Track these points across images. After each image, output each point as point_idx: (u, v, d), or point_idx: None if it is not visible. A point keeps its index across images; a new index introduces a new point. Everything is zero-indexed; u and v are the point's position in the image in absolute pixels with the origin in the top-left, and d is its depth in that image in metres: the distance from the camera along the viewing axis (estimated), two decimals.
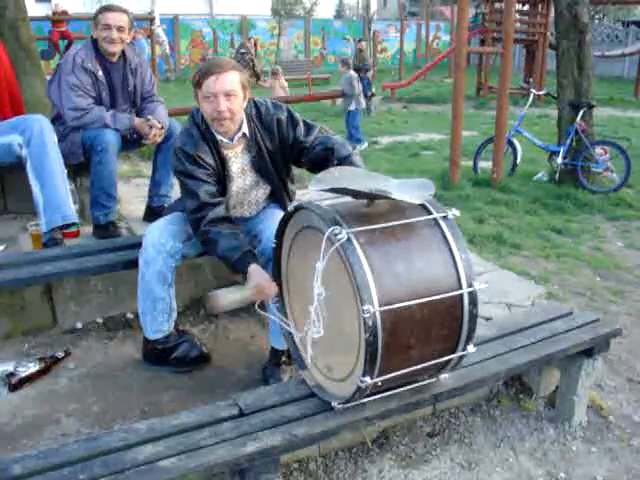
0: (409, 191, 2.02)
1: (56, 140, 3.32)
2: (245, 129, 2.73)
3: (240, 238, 2.59)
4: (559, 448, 2.63)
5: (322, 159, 2.71)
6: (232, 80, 2.56)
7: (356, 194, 2.05)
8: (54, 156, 3.26)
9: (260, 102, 2.81)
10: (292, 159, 2.86)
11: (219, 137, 2.70)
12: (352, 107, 10.56)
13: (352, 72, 11.00)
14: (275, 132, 2.78)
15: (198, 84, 2.57)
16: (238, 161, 2.79)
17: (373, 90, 14.37)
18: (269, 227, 2.72)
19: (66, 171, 3.36)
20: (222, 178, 2.75)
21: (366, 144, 10.22)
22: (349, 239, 1.86)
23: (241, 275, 2.57)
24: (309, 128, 2.80)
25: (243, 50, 14.25)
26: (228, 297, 2.43)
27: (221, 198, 2.71)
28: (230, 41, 25.46)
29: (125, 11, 3.66)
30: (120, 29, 3.58)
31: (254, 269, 2.47)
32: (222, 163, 2.73)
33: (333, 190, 2.04)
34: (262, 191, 2.94)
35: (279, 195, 2.96)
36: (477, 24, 16.99)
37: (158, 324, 2.85)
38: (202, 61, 22.37)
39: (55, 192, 3.24)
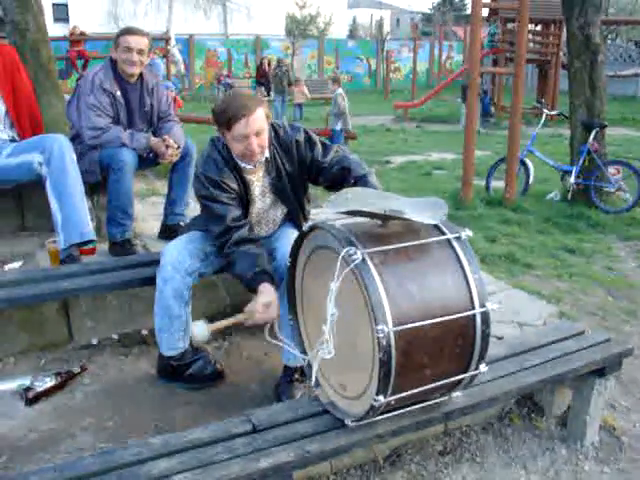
0: (423, 211, 2.05)
1: (75, 159, 3.38)
2: (267, 153, 2.77)
3: (259, 258, 2.64)
4: (571, 468, 2.63)
5: (339, 178, 2.76)
6: (260, 118, 2.60)
7: (371, 215, 2.08)
8: (74, 175, 3.32)
9: (278, 125, 2.85)
10: (310, 179, 2.91)
11: (242, 164, 2.74)
12: (337, 127, 10.68)
13: (340, 90, 11.14)
14: (294, 154, 2.82)
15: (227, 127, 2.59)
16: (259, 184, 2.84)
17: (492, 109, 14.58)
18: (284, 245, 2.76)
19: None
20: (245, 201, 2.80)
21: None
22: (364, 260, 1.89)
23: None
24: (326, 148, 2.85)
25: (282, 64, 17.03)
26: (205, 327, 2.48)
27: (245, 220, 2.77)
28: (244, 60, 25.72)
29: (146, 34, 3.73)
30: (141, 52, 3.65)
31: (263, 288, 2.53)
32: (245, 187, 2.78)
33: (349, 213, 2.07)
34: (280, 211, 2.98)
35: (295, 215, 3.00)
36: (492, 43, 17.00)
37: (174, 341, 2.88)
38: (217, 81, 22.66)
39: (74, 210, 3.29)
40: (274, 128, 2.82)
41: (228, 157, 2.73)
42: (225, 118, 2.59)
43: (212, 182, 2.70)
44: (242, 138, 2.59)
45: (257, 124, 2.59)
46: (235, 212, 2.72)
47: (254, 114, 2.57)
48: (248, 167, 2.76)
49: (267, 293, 2.53)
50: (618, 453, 2.74)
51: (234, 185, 2.74)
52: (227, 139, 2.66)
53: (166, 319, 2.83)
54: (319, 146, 2.84)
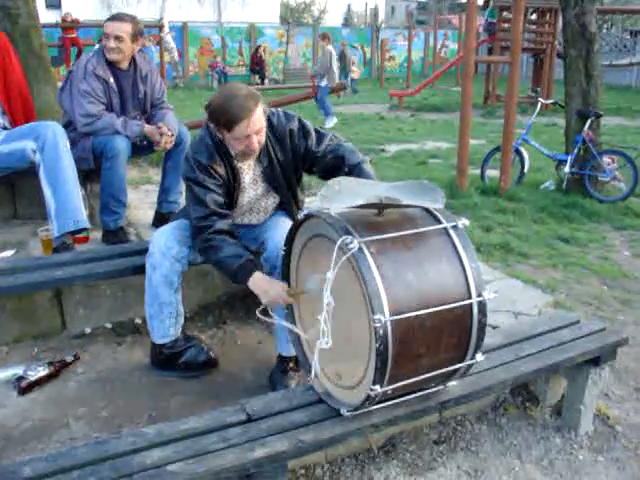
0: (420, 196, 2.04)
1: (69, 146, 3.35)
2: None
3: (243, 248, 2.64)
4: (566, 457, 2.63)
5: (333, 167, 2.74)
6: (260, 116, 2.57)
7: (369, 206, 2.05)
8: (67, 162, 3.29)
9: (272, 112, 2.81)
10: (304, 168, 2.88)
11: (234, 151, 2.71)
12: (322, 83, 11.40)
13: (331, 47, 11.31)
14: (287, 143, 2.79)
15: (227, 128, 2.54)
16: (250, 172, 2.82)
17: None
18: (276, 234, 2.74)
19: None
20: (233, 189, 2.78)
21: (335, 120, 10.59)
22: (360, 248, 1.87)
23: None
24: (320, 137, 2.82)
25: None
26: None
27: (228, 211, 2.75)
28: (239, 48, 25.57)
29: (128, 20, 3.65)
30: (118, 38, 3.59)
31: (257, 277, 2.51)
32: (234, 175, 2.76)
33: (347, 207, 2.05)
34: (272, 200, 2.96)
35: (288, 204, 2.98)
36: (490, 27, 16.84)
37: (165, 329, 2.87)
38: (211, 68, 22.51)
39: (68, 198, 3.27)
40: (268, 117, 2.78)
41: (220, 143, 2.70)
42: (225, 120, 2.53)
43: (200, 166, 2.68)
44: (243, 138, 2.56)
45: (258, 124, 2.56)
46: (218, 199, 2.69)
47: (255, 114, 2.52)
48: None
49: (268, 283, 2.50)
50: (612, 442, 2.75)
51: (222, 172, 2.71)
52: (225, 137, 2.62)
53: (156, 306, 2.82)
54: (313, 135, 2.82)
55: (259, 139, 2.61)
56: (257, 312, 2.46)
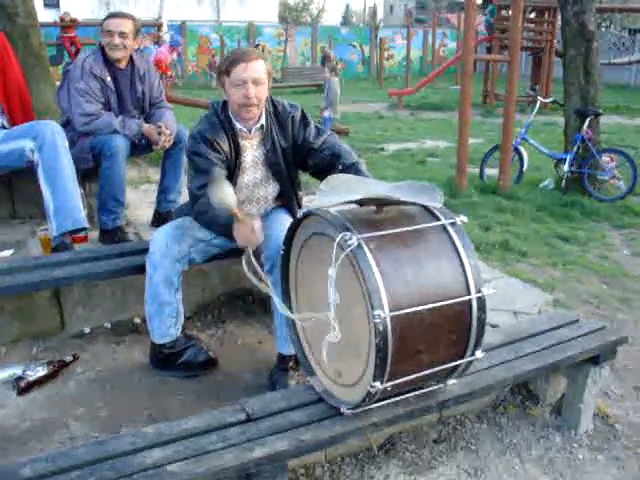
0: (419, 195, 2.04)
1: (67, 146, 3.34)
2: (263, 121, 2.80)
3: None
4: (565, 456, 2.63)
5: (327, 164, 2.78)
6: (260, 68, 2.65)
7: (366, 202, 2.05)
8: (66, 161, 3.28)
9: (277, 100, 2.89)
10: (299, 161, 2.90)
11: (238, 126, 2.76)
12: (326, 114, 11.01)
13: (336, 79, 11.19)
14: (289, 130, 2.85)
15: (227, 72, 2.65)
16: (252, 152, 2.85)
17: None
18: (276, 232, 2.74)
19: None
20: (234, 167, 2.81)
21: None
22: (359, 245, 1.87)
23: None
24: (318, 131, 2.89)
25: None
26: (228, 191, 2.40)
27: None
28: (237, 47, 25.55)
29: (129, 17, 3.69)
30: (122, 35, 3.60)
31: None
32: (237, 152, 2.79)
33: (345, 202, 2.05)
34: (271, 188, 2.97)
35: (287, 196, 2.99)
36: (489, 24, 16.77)
37: (165, 328, 2.86)
38: (209, 67, 22.54)
39: (66, 197, 3.26)
40: (273, 103, 2.86)
41: (225, 119, 2.77)
42: (226, 63, 2.66)
43: (204, 139, 2.73)
44: (240, 83, 2.63)
45: (256, 72, 2.63)
46: (220, 171, 2.72)
47: (254, 62, 2.64)
48: (244, 130, 2.77)
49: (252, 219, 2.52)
50: (612, 441, 2.75)
51: (226, 147, 2.75)
52: (226, 89, 2.70)
53: (156, 306, 2.81)
54: (312, 127, 2.88)
55: (257, 92, 2.66)
56: (243, 263, 2.44)
